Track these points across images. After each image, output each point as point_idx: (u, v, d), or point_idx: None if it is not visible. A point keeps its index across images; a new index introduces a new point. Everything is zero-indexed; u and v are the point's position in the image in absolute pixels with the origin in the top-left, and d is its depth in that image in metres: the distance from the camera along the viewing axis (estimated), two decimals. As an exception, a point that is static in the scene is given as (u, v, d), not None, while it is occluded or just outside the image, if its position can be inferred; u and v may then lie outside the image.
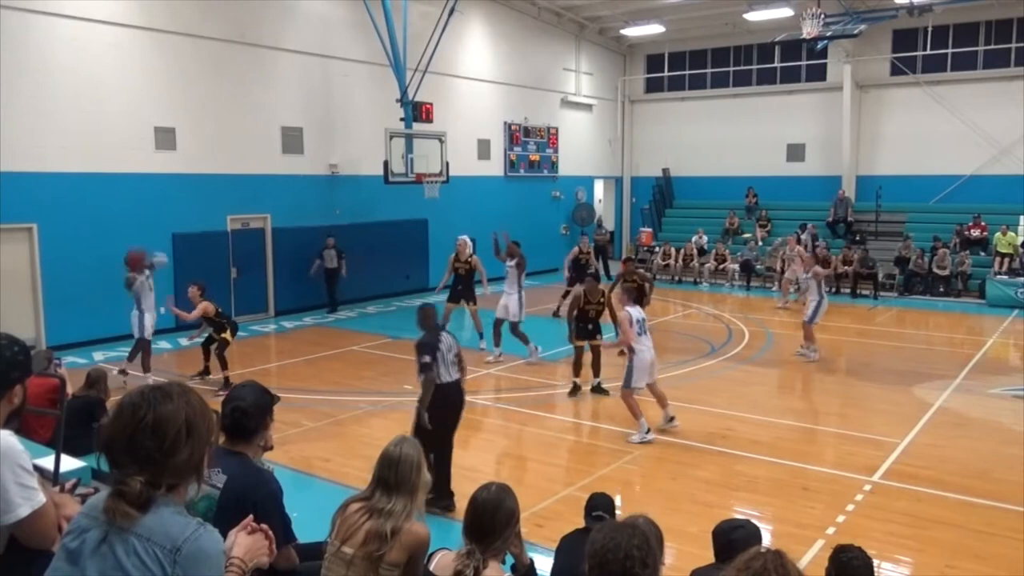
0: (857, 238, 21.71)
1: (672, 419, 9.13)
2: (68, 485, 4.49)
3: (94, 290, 13.42)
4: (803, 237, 21.55)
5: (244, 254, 15.65)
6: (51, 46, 12.89)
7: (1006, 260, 19.08)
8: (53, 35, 12.91)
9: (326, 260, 16.68)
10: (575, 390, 10.76)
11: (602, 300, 10.81)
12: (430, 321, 7.11)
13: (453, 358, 6.87)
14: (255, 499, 3.13)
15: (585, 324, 10.77)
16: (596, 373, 10.81)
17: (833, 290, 20.06)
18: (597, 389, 10.74)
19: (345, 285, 17.43)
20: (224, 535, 2.36)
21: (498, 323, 12.66)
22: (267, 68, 16.32)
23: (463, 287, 13.24)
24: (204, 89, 15.11)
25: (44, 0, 12.67)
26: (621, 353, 10.51)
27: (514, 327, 12.54)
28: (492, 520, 3.01)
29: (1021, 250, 19.04)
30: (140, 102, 14.16)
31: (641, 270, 14.94)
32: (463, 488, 3.55)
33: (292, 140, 16.88)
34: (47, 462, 5.12)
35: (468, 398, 10.41)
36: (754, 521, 4.26)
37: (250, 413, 3.38)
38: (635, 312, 9.07)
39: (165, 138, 14.56)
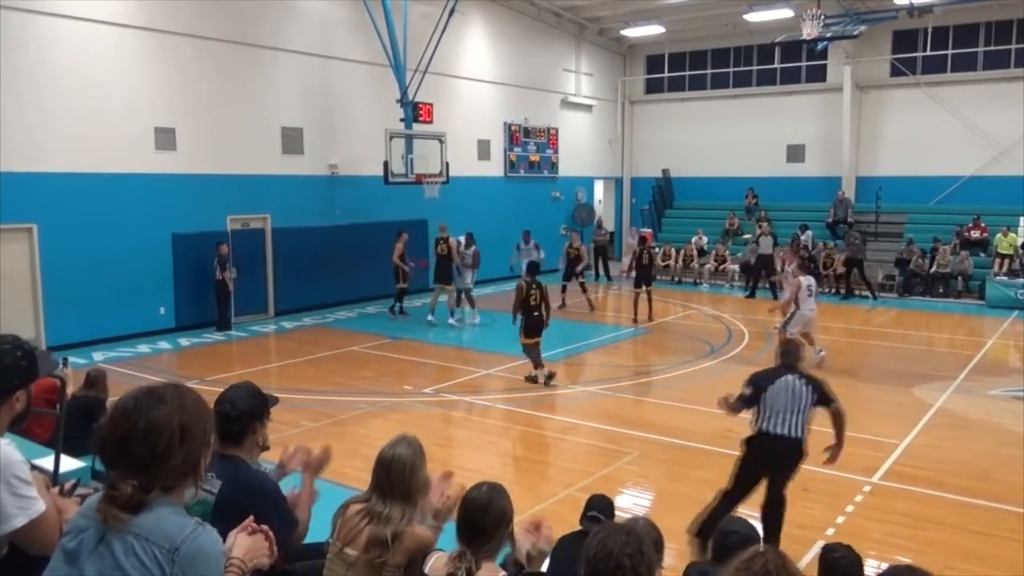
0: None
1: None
2: (68, 486, 4.49)
3: (94, 290, 13.44)
4: (802, 238, 21.56)
5: (244, 254, 15.64)
6: (51, 46, 12.89)
7: (1006, 261, 19.07)
8: (53, 35, 12.91)
9: (228, 270, 14.94)
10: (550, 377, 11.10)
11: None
12: (787, 358, 6.10)
13: (795, 409, 5.74)
14: (252, 502, 3.08)
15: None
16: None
17: (836, 290, 20.09)
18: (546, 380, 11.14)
19: (343, 286, 17.45)
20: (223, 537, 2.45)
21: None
22: (267, 68, 16.32)
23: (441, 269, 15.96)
24: (204, 89, 15.11)
25: (44, 0, 12.68)
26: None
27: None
28: (483, 520, 2.99)
29: (1021, 251, 19.04)
30: (140, 102, 14.17)
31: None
32: (462, 489, 3.55)
33: (292, 140, 16.88)
34: (46, 462, 5.12)
35: (469, 398, 10.56)
36: (752, 523, 4.25)
37: (233, 417, 3.34)
38: None
39: (165, 138, 14.56)
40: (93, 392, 7.40)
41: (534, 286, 11.01)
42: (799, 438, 5.75)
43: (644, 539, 2.48)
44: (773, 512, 5.96)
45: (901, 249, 20.37)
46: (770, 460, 5.83)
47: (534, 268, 11.54)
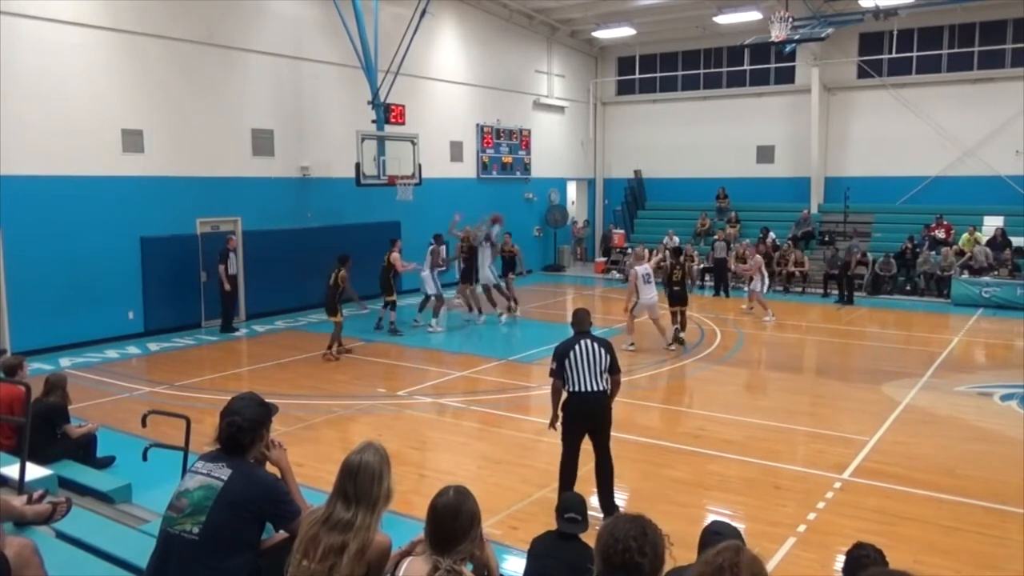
0: (826, 239, 21.97)
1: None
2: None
3: (60, 295, 13.21)
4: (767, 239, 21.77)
5: (214, 257, 15.44)
6: (15, 47, 12.64)
7: (963, 258, 19.31)
8: (16, 35, 12.66)
9: (230, 266, 15.05)
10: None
11: None
12: (579, 325, 6.80)
13: (595, 366, 6.47)
14: (262, 501, 3.36)
15: None
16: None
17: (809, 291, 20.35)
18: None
19: (316, 289, 17.28)
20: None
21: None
22: (237, 69, 16.16)
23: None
24: (173, 91, 14.92)
25: (7, 0, 12.45)
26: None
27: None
28: (455, 525, 2.97)
29: (975, 248, 19.29)
30: (107, 104, 13.95)
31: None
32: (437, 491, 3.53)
33: (263, 142, 16.73)
34: (12, 470, 5.02)
35: (443, 400, 10.54)
36: (735, 525, 4.27)
37: (245, 429, 3.46)
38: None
39: (133, 140, 14.36)
40: (53, 398, 7.29)
41: (677, 265, 14.28)
42: (604, 390, 6.51)
43: (648, 523, 2.63)
44: (603, 479, 6.64)
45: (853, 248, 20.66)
46: (584, 413, 6.53)
47: (678, 251, 15.48)
